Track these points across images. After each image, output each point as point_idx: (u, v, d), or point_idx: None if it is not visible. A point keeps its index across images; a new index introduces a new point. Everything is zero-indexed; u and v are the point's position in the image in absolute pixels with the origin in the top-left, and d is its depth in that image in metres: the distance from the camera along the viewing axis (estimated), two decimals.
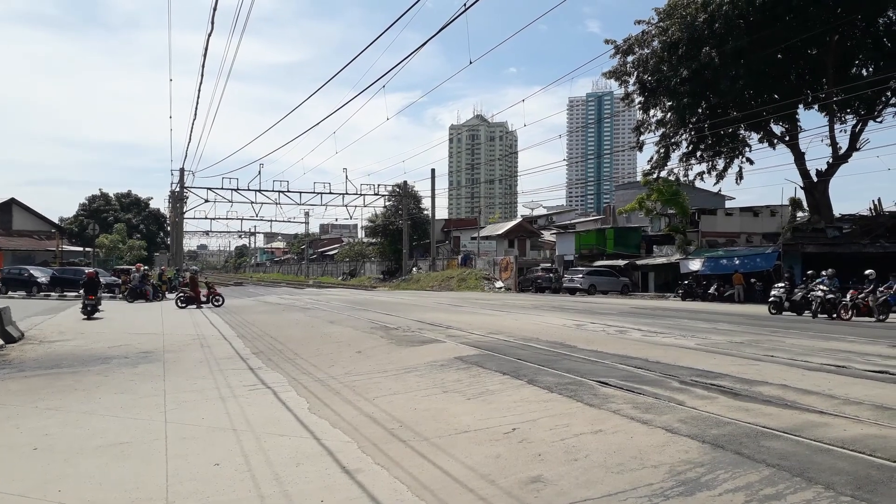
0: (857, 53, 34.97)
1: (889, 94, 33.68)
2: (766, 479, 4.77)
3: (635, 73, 38.36)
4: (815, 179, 36.21)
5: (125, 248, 59.82)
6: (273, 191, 57.96)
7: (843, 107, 34.95)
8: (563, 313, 21.91)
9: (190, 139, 72.35)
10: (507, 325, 17.38)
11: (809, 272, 23.34)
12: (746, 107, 35.77)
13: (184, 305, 25.82)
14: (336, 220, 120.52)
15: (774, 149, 38.36)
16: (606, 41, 39.03)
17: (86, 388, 8.96)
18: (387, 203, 67.80)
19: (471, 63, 17.06)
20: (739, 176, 39.38)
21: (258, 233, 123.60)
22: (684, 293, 34.29)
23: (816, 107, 36.55)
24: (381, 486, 4.83)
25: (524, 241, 65.24)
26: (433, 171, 62.56)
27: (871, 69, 34.63)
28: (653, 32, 36.75)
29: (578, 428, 6.36)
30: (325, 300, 31.35)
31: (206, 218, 73.81)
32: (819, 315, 20.93)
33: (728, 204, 49.37)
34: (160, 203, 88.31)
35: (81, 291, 22.46)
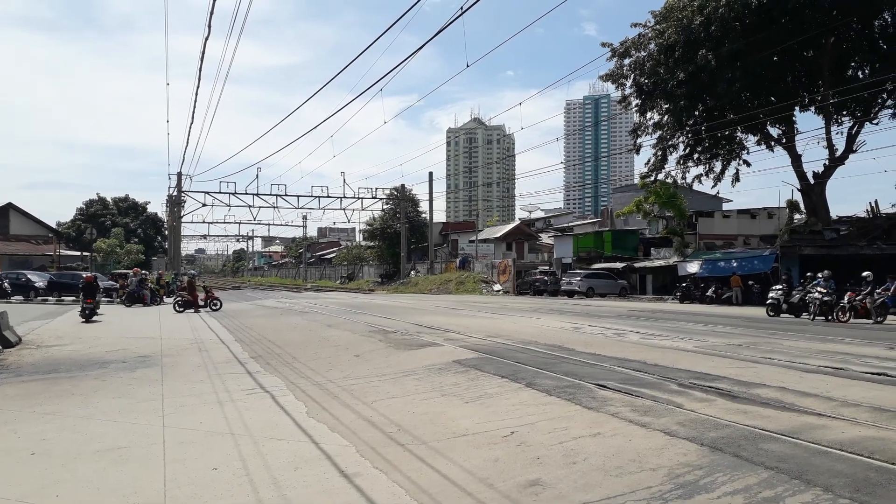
0: (853, 55, 35.08)
1: (885, 95, 33.80)
2: (764, 481, 4.77)
3: (632, 75, 38.42)
4: (811, 181, 36.29)
5: (123, 252, 59.75)
6: (271, 194, 57.93)
7: (839, 109, 35.04)
8: (561, 316, 21.91)
9: (187, 143, 72.31)
10: (505, 328, 17.38)
11: (808, 274, 23.35)
12: (743, 109, 35.85)
13: (182, 310, 25.77)
14: (334, 223, 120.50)
15: (773, 151, 38.51)
16: (603, 44, 39.16)
17: (83, 392, 8.93)
18: (385, 206, 67.83)
19: (468, 66, 17.09)
20: (736, 178, 39.45)
21: (256, 236, 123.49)
22: (682, 296, 34.33)
23: (813, 109, 36.64)
24: (380, 490, 4.82)
25: (522, 244, 65.31)
26: (431, 174, 62.69)
27: (866, 71, 34.75)
28: (649, 35, 36.82)
29: (577, 431, 6.35)
30: (322, 304, 31.32)
31: (203, 222, 73.68)
32: (817, 317, 20.95)
33: (725, 206, 49.50)
34: (158, 207, 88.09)
35: (80, 295, 22.48)
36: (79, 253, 60.81)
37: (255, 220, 76.97)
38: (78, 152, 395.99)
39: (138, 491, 4.87)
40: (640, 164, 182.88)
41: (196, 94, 21.96)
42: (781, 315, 22.68)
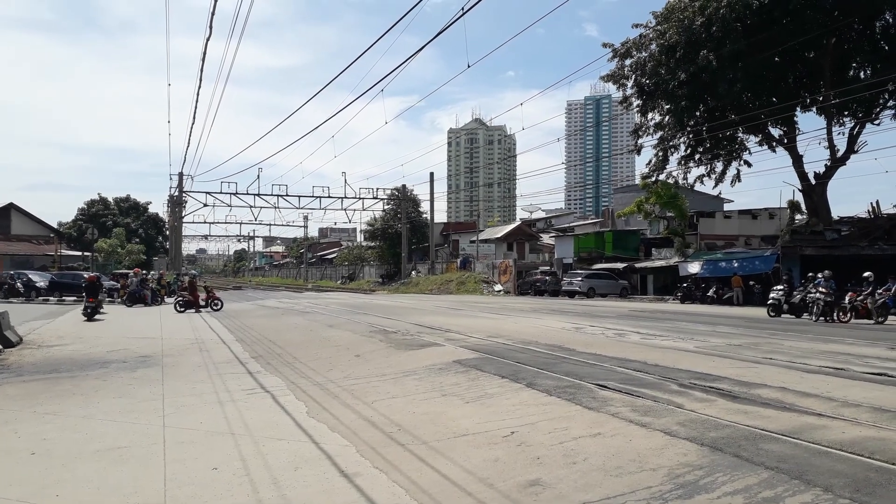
0: (855, 56, 35.07)
1: (886, 96, 33.80)
2: (764, 481, 4.76)
3: (633, 76, 38.41)
4: (813, 182, 36.27)
5: (124, 252, 59.85)
6: (272, 195, 58.01)
7: (840, 109, 35.04)
8: (561, 316, 21.91)
9: (189, 143, 72.24)
10: (505, 328, 17.38)
11: (809, 275, 23.33)
12: (744, 110, 35.84)
13: (182, 310, 25.79)
14: (335, 223, 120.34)
15: (775, 151, 38.47)
16: (604, 45, 39.17)
17: (84, 392, 8.94)
18: (386, 207, 67.90)
19: (469, 67, 17.10)
20: (737, 178, 39.45)
21: (257, 237, 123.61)
22: (683, 296, 34.32)
23: (815, 109, 36.64)
24: (380, 490, 4.82)
25: (523, 244, 65.31)
26: (432, 174, 62.81)
27: (868, 72, 34.73)
28: (650, 36, 36.81)
29: (577, 431, 6.35)
30: (323, 304, 31.34)
31: (204, 222, 73.80)
32: (813, 317, 20.87)
33: (726, 207, 49.48)
34: (159, 207, 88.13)
35: (84, 294, 22.75)
36: (80, 253, 60.91)
37: (256, 220, 76.80)
38: (78, 153, 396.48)
39: (138, 491, 4.87)
40: (642, 164, 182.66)
41: (197, 94, 22.00)
42: (782, 315, 22.67)
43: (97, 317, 21.84)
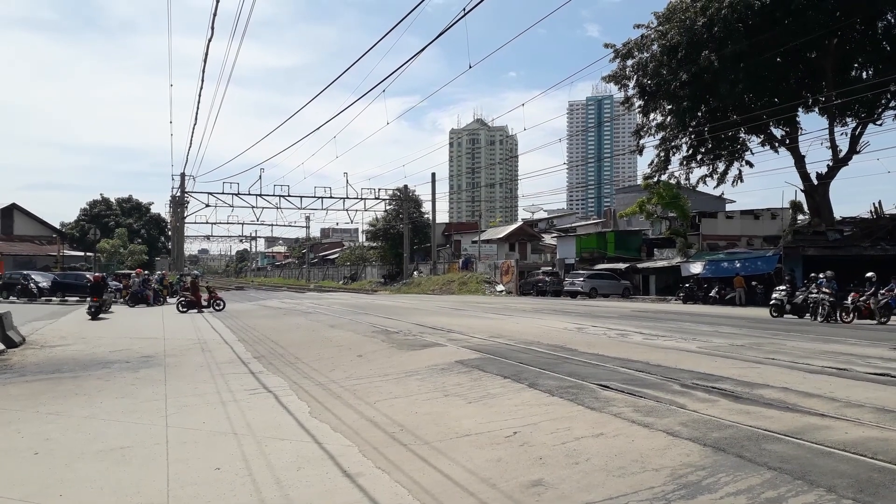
0: (857, 56, 35.04)
1: (889, 96, 33.75)
2: (767, 482, 4.76)
3: (635, 76, 38.41)
4: (815, 182, 36.24)
5: (126, 252, 59.90)
6: (274, 195, 58.12)
7: (842, 110, 34.99)
8: (564, 317, 21.91)
9: (191, 144, 72.43)
10: (508, 328, 17.38)
11: (811, 275, 23.28)
12: (746, 110, 35.83)
13: (185, 310, 25.82)
14: (337, 224, 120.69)
15: (777, 152, 38.43)
16: (606, 45, 39.17)
17: (87, 392, 8.96)
18: (387, 207, 67.92)
19: (470, 67, 17.13)
20: (739, 178, 39.44)
21: (259, 237, 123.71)
22: (685, 296, 34.30)
23: (817, 110, 36.60)
24: (382, 490, 4.82)
25: (525, 244, 65.32)
26: (433, 174, 62.82)
27: (870, 72, 34.68)
28: (652, 36, 36.81)
29: (580, 431, 6.35)
30: (325, 304, 31.36)
31: (207, 222, 74.33)
32: (819, 318, 20.83)
33: (729, 207, 49.45)
34: (161, 208, 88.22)
35: (88, 294, 23.21)
36: (82, 253, 60.97)
37: (258, 220, 76.66)
38: (80, 153, 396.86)
39: (141, 491, 4.88)
40: (643, 164, 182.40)
41: (199, 95, 22.04)
42: (785, 316, 22.64)
43: (102, 316, 22.39)
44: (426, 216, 68.38)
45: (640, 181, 50.42)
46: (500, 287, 49.51)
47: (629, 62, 38.33)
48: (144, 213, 74.72)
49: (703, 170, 40.20)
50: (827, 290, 20.89)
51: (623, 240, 46.94)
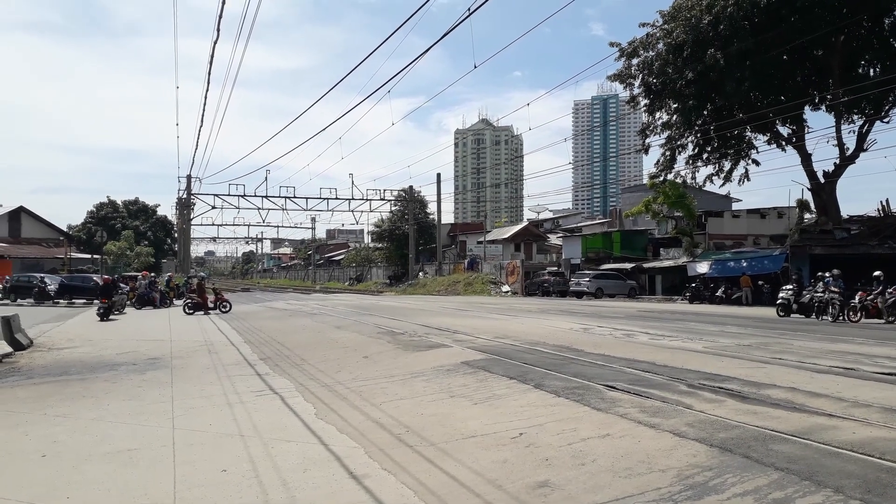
0: (864, 54, 34.85)
1: None
2: (774, 482, 4.74)
3: (640, 75, 38.32)
4: (822, 181, 36.06)
5: (133, 255, 60.09)
6: (279, 197, 58.15)
7: (849, 107, 34.80)
8: (569, 317, 21.87)
9: (197, 146, 72.81)
10: (513, 329, 17.36)
11: (818, 274, 23.15)
12: (752, 108, 35.70)
13: (191, 312, 25.89)
14: (342, 225, 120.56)
15: (784, 150, 38.27)
16: (611, 44, 39.09)
17: (94, 394, 8.99)
18: (393, 208, 67.99)
19: (475, 67, 17.20)
20: (745, 177, 39.31)
21: (265, 239, 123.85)
22: (692, 296, 34.19)
23: (824, 108, 36.45)
24: (388, 492, 4.83)
25: (530, 244, 65.25)
26: (439, 175, 62.71)
27: (877, 69, 34.48)
28: (657, 35, 36.72)
29: (586, 432, 6.34)
30: (331, 305, 31.39)
31: (213, 224, 74.10)
32: (829, 317, 20.67)
33: (735, 206, 49.25)
34: (167, 210, 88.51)
35: (99, 295, 24.19)
36: (89, 256, 61.19)
37: (264, 222, 77.25)
38: (86, 156, 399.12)
39: (148, 492, 4.90)
40: (649, 164, 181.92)
41: (205, 97, 22.13)
42: (792, 315, 22.55)
43: (113, 317, 23.23)
44: (431, 217, 68.40)
45: (645, 180, 50.27)
46: (505, 287, 49.47)
47: (634, 61, 38.25)
48: (151, 216, 74.95)
49: (709, 169, 40.12)
50: (836, 290, 20.76)
51: (629, 239, 46.82)
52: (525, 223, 76.98)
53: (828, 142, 35.73)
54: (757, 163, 39.44)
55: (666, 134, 39.66)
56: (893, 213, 35.67)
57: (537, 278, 46.77)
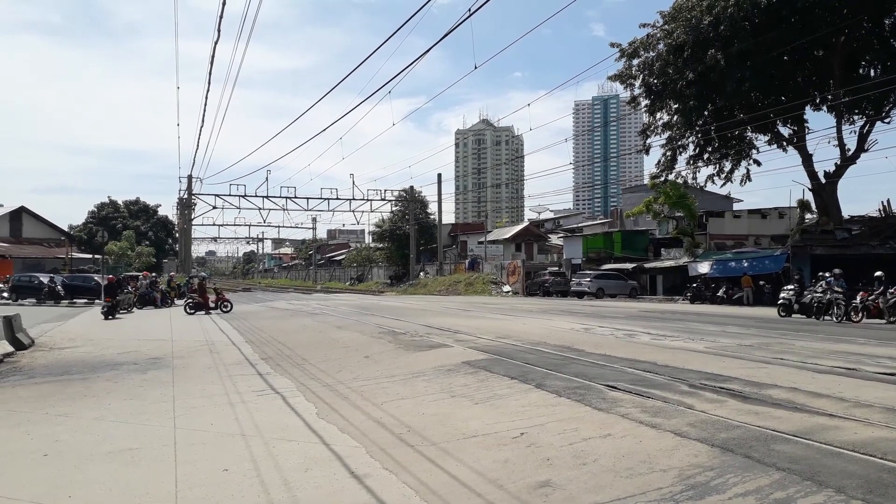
0: (864, 54, 34.84)
1: None
2: (776, 482, 4.74)
3: (641, 76, 38.33)
4: (823, 181, 36.06)
5: (134, 255, 60.12)
6: (280, 197, 58.21)
7: (850, 108, 34.79)
8: (570, 317, 21.87)
9: (197, 146, 72.69)
10: (514, 329, 17.36)
11: (819, 274, 23.11)
12: (753, 109, 35.69)
13: (192, 311, 25.90)
14: (343, 225, 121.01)
15: (786, 151, 38.22)
16: (612, 45, 39.12)
17: (95, 394, 9.00)
18: (394, 208, 68.00)
19: (476, 68, 17.18)
20: (747, 177, 39.33)
21: (266, 239, 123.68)
22: (693, 296, 34.16)
23: (825, 108, 36.43)
24: (390, 491, 4.83)
25: (531, 244, 65.23)
26: (439, 175, 62.73)
27: (878, 70, 34.48)
28: (658, 35, 36.73)
29: (587, 432, 6.34)
30: (332, 305, 31.40)
31: (213, 224, 74.03)
32: (835, 318, 20.55)
33: (736, 206, 49.26)
34: (168, 210, 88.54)
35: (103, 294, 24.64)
36: (90, 256, 61.20)
37: (265, 222, 77.02)
38: (87, 156, 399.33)
39: (150, 492, 4.90)
40: (650, 164, 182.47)
41: (206, 97, 22.12)
42: (793, 315, 22.52)
43: (119, 316, 23.89)
44: (432, 217, 68.40)
45: (646, 181, 50.31)
46: (506, 288, 49.47)
47: (635, 61, 38.26)
48: (152, 216, 74.98)
49: (710, 169, 40.14)
50: (839, 290, 20.70)
51: (630, 240, 46.79)
52: (526, 223, 76.96)
53: (829, 142, 35.79)
54: (758, 163, 39.52)
55: (667, 134, 39.70)
56: (894, 213, 35.66)
57: (538, 278, 46.75)
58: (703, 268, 36.12)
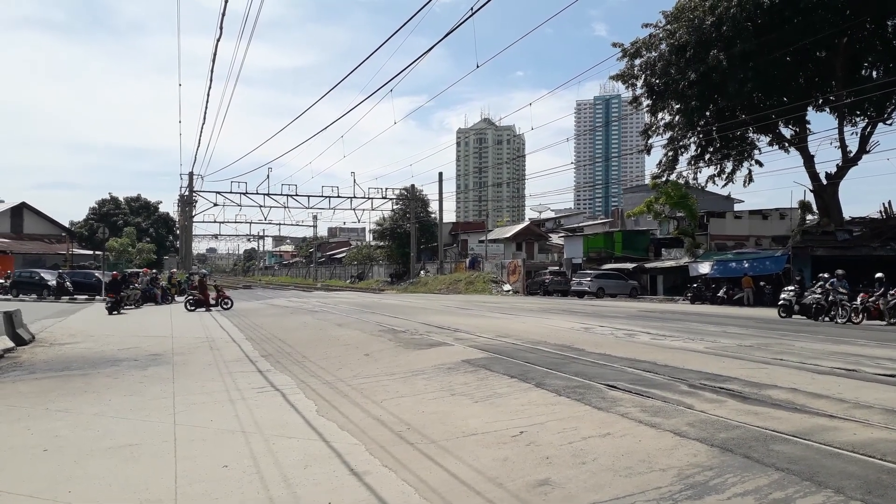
0: (866, 55, 34.82)
1: None
2: (775, 482, 4.74)
3: (643, 76, 38.28)
4: (824, 182, 36.04)
5: (135, 251, 60.14)
6: (281, 194, 58.20)
7: (852, 109, 34.78)
8: (571, 316, 21.87)
9: (199, 143, 72.63)
10: (514, 328, 17.36)
11: (820, 275, 23.08)
12: (755, 109, 35.67)
13: (193, 308, 25.92)
14: (344, 223, 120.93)
15: (788, 152, 38.19)
16: (614, 44, 39.05)
17: (96, 390, 9.01)
18: (395, 206, 67.97)
19: (478, 67, 17.16)
20: (749, 178, 39.33)
21: (267, 236, 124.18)
22: (693, 296, 34.17)
23: (828, 109, 36.41)
24: (389, 489, 4.83)
25: (532, 244, 65.22)
26: (441, 174, 62.70)
27: (880, 71, 34.46)
28: (660, 35, 36.69)
29: (586, 431, 6.34)
30: (333, 303, 31.40)
31: (214, 221, 74.10)
32: (840, 319, 20.48)
33: (737, 207, 49.24)
34: (169, 207, 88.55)
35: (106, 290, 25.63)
36: (91, 252, 61.23)
37: (265, 219, 77.37)
38: (89, 153, 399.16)
39: (150, 487, 4.90)
40: (651, 164, 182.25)
41: (208, 94, 22.11)
42: (793, 316, 22.52)
43: (124, 311, 24.50)
44: (433, 215, 68.39)
45: (647, 181, 50.31)
46: (506, 287, 49.47)
47: (637, 61, 38.20)
48: (153, 212, 75.01)
49: (712, 169, 40.12)
50: (844, 291, 20.65)
51: (631, 239, 46.79)
52: (527, 222, 76.93)
53: (830, 143, 35.77)
54: (760, 163, 39.49)
55: (668, 134, 39.67)
56: (895, 215, 35.62)
57: (539, 277, 46.75)
58: (704, 268, 36.13)
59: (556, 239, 66.12)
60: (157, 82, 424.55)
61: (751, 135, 38.91)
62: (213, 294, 27.51)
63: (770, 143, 38.73)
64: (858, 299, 20.70)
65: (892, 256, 29.70)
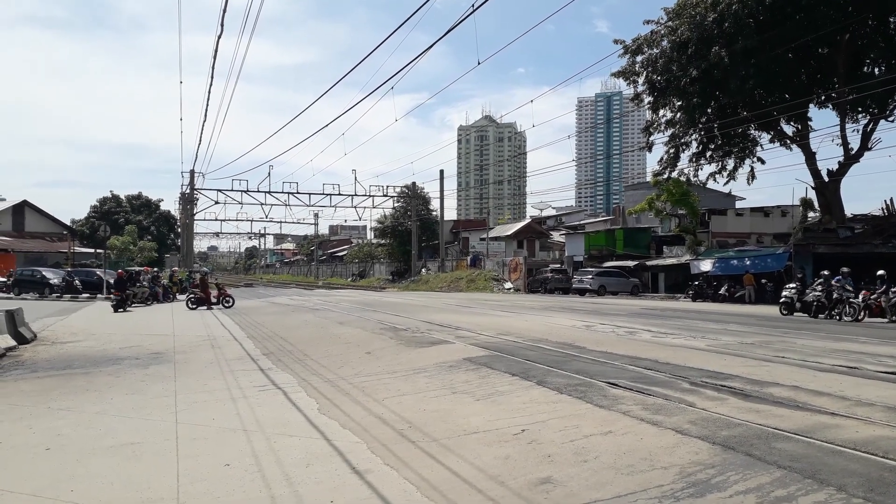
0: (869, 52, 34.74)
1: None
2: (777, 480, 4.74)
3: (644, 72, 38.23)
4: (826, 179, 35.99)
5: (136, 249, 60.16)
6: (282, 192, 58.10)
7: (854, 106, 34.72)
8: (572, 314, 21.86)
9: (200, 141, 72.81)
10: (516, 326, 17.36)
11: (822, 272, 23.01)
12: (757, 106, 35.60)
13: (194, 307, 25.95)
14: (345, 221, 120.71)
15: (791, 150, 38.20)
16: (615, 41, 39.02)
17: (97, 388, 9.02)
18: (396, 204, 67.90)
19: (479, 64, 17.19)
20: (752, 176, 39.34)
21: (268, 234, 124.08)
22: (694, 294, 34.13)
23: (830, 106, 36.34)
24: (391, 487, 4.84)
25: (533, 241, 65.19)
26: (442, 171, 62.67)
27: (882, 68, 34.38)
28: (662, 32, 36.63)
29: (588, 429, 6.34)
30: (334, 301, 31.41)
31: (216, 219, 74.50)
32: (848, 317, 20.40)
33: (738, 204, 49.16)
34: (171, 205, 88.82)
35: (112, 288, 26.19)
36: (93, 250, 61.27)
37: (267, 217, 76.86)
38: (90, 151, 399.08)
39: (152, 486, 4.91)
40: (653, 161, 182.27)
41: (209, 92, 22.10)
42: (795, 314, 22.50)
43: (130, 309, 24.77)
44: (434, 213, 68.37)
45: (649, 178, 50.19)
46: (508, 284, 49.46)
47: (639, 58, 38.14)
48: (154, 211, 75.01)
49: (713, 167, 40.08)
50: (850, 289, 20.59)
51: (632, 237, 46.76)
52: (528, 220, 76.92)
53: (832, 140, 35.72)
54: (762, 160, 39.42)
55: (670, 131, 39.64)
56: None
57: (540, 275, 46.71)
58: (706, 266, 36.08)
59: (557, 237, 66.09)
60: (158, 80, 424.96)
61: (752, 132, 38.85)
62: (214, 292, 27.52)
63: (772, 140, 38.69)
64: (860, 297, 20.67)
65: (893, 254, 29.65)
